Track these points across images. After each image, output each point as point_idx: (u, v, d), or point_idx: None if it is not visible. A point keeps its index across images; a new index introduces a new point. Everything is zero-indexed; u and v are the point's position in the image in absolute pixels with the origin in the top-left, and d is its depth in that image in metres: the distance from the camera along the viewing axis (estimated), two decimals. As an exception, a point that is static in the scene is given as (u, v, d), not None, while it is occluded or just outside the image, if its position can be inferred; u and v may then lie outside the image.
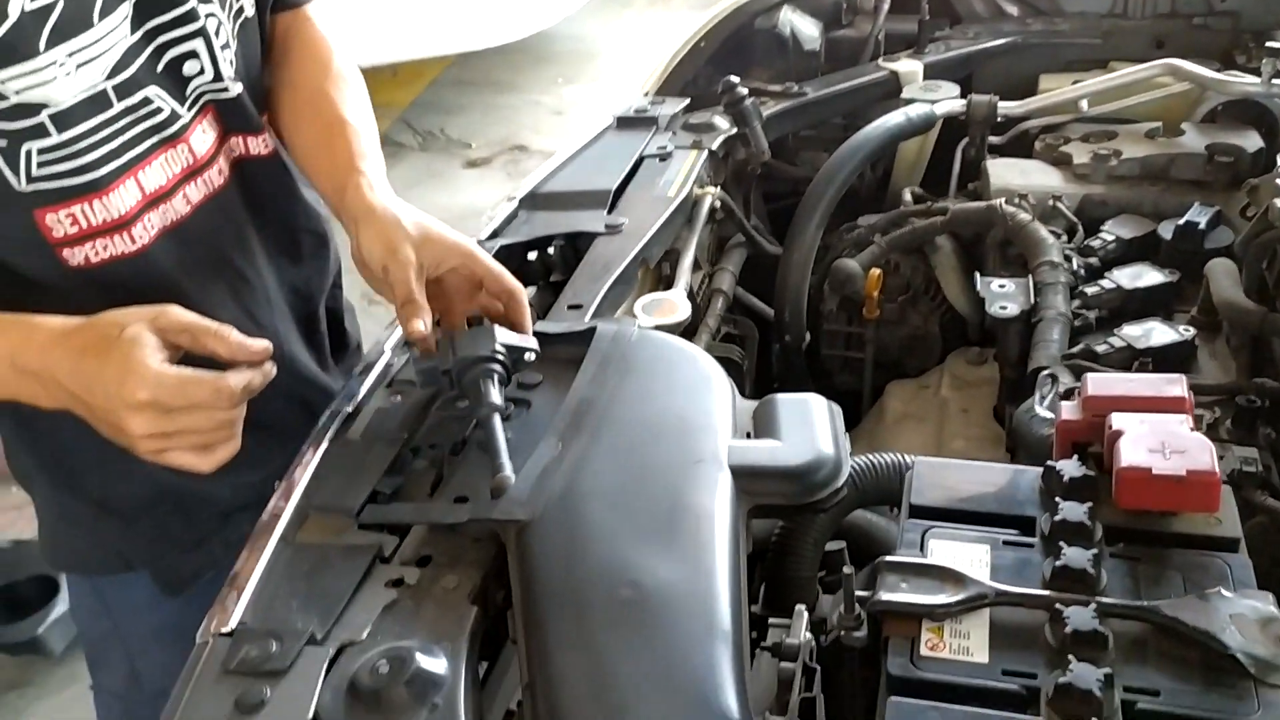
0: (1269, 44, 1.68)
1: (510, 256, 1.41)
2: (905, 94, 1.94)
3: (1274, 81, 1.66)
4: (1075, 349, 1.34)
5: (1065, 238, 1.58)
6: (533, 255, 1.45)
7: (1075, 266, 1.51)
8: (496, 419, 0.99)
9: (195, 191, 1.09)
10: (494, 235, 1.45)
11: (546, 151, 4.08)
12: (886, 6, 2.10)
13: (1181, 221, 1.53)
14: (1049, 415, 1.18)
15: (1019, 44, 2.12)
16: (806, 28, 2.08)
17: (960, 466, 0.94)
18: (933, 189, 1.90)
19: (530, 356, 1.06)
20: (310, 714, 0.77)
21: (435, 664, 0.79)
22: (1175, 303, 1.46)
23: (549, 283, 1.45)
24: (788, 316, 1.72)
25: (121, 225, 1.02)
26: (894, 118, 1.80)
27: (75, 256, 1.01)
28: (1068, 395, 1.20)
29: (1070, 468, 0.88)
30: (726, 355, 1.59)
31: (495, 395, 1.00)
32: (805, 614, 0.84)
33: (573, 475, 0.94)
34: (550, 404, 1.08)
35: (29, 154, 0.95)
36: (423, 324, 1.02)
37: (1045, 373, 1.26)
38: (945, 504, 0.90)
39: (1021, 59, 2.13)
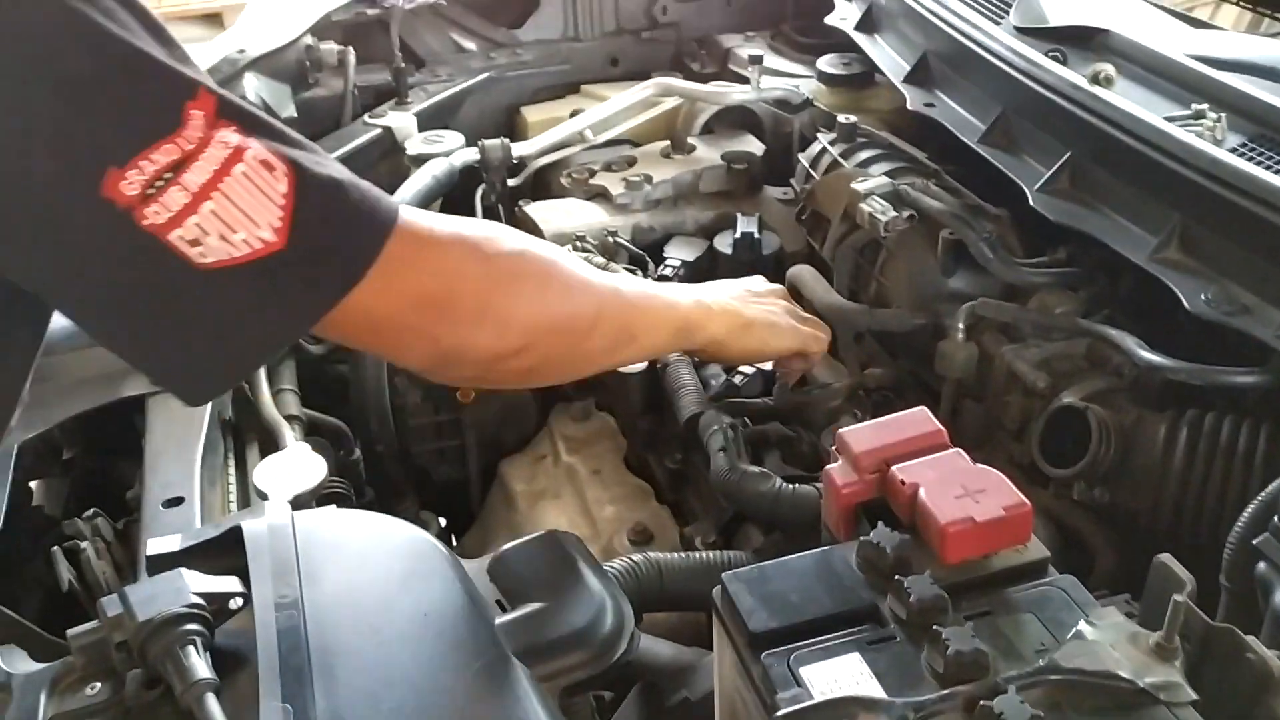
0: (751, 53, 1.78)
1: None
2: (410, 149, 1.78)
3: (761, 89, 1.76)
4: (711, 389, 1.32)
5: (639, 273, 1.55)
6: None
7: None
8: (210, 700, 0.71)
9: None
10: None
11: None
12: (353, 59, 1.92)
13: (738, 234, 1.57)
14: (756, 470, 1.13)
15: (494, 78, 2.06)
16: (275, 94, 1.83)
17: (764, 572, 0.84)
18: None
19: (238, 602, 0.78)
20: None
21: None
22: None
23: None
24: (374, 425, 1.51)
25: None
26: (419, 181, 1.64)
27: None
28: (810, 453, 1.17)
29: (888, 538, 0.81)
30: (332, 491, 1.34)
31: (203, 668, 0.72)
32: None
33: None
34: (231, 649, 0.81)
35: None
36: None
37: (715, 428, 1.21)
38: (783, 622, 0.79)
39: (492, 94, 2.08)
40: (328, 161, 0.84)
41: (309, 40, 1.91)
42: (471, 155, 1.75)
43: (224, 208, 0.76)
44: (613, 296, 1.07)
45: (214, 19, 4.90)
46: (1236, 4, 1.60)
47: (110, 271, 0.77)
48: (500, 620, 0.83)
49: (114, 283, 0.77)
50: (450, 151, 1.75)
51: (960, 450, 0.87)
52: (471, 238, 0.96)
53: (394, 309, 0.88)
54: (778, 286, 1.29)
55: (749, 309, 1.21)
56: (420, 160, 1.73)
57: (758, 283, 1.28)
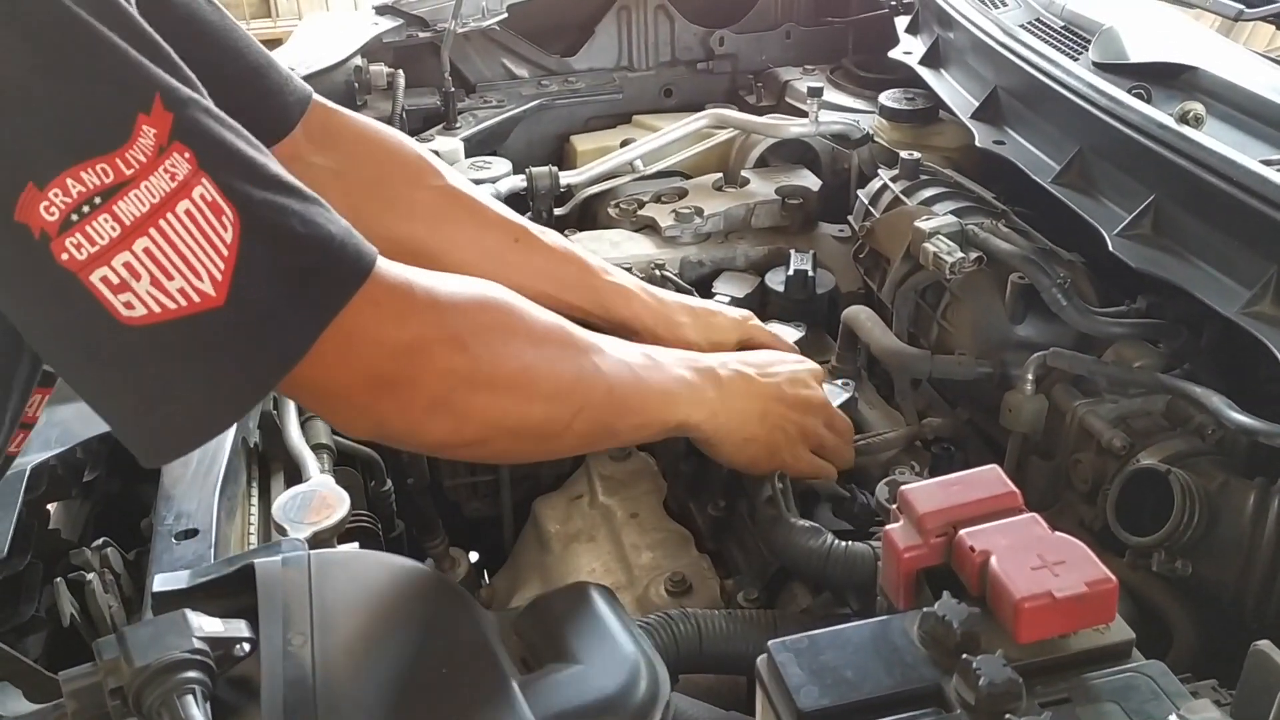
0: (810, 85, 1.72)
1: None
2: (456, 175, 1.74)
3: (819, 123, 1.70)
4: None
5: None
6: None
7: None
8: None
9: None
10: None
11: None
12: (403, 82, 1.89)
13: (790, 272, 1.50)
14: (806, 524, 1.06)
15: (545, 105, 2.02)
16: (322, 115, 1.80)
17: (816, 642, 0.77)
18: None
19: (244, 649, 0.72)
20: None
21: None
22: (807, 354, 1.43)
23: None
24: (406, 456, 1.45)
25: None
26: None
27: None
28: (861, 512, 1.11)
29: (955, 611, 0.74)
30: (357, 525, 1.28)
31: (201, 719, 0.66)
32: None
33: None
34: (233, 700, 0.75)
35: None
36: None
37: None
38: (836, 700, 0.71)
39: (542, 122, 2.04)
40: (300, 198, 0.73)
41: (359, 61, 1.88)
42: (518, 183, 1.71)
43: (160, 249, 0.65)
44: (601, 396, 0.96)
45: (275, 45, 4.94)
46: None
47: (31, 310, 0.67)
48: (523, 679, 0.76)
49: (37, 323, 0.68)
50: (497, 178, 1.71)
51: (1037, 516, 0.79)
52: (456, 320, 0.85)
53: (340, 384, 0.79)
54: (817, 373, 1.19)
55: (761, 424, 1.10)
56: (465, 186, 1.68)
57: (800, 373, 1.17)
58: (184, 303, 0.66)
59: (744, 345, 1.26)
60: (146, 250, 0.65)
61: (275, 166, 0.74)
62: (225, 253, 0.68)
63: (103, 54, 0.65)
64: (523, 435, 0.91)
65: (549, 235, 1.26)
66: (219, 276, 0.67)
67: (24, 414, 0.87)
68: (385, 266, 0.79)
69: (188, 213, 0.66)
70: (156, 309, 0.65)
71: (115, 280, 0.64)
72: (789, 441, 1.13)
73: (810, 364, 1.20)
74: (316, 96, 1.12)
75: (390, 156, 1.18)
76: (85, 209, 0.63)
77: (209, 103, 0.71)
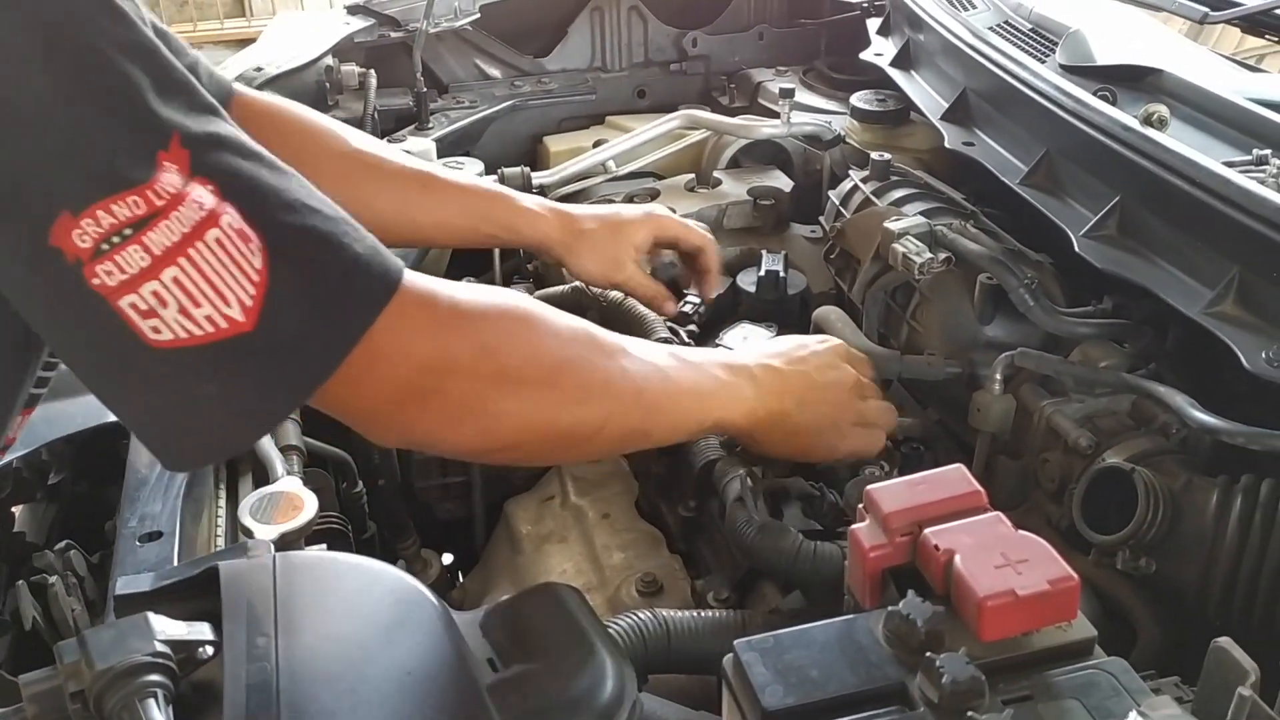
0: (782, 86, 1.72)
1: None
2: (428, 176, 1.73)
3: (792, 124, 1.71)
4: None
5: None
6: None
7: (684, 338, 1.42)
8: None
9: None
10: None
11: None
12: (374, 82, 1.88)
13: (762, 272, 1.50)
14: (775, 524, 1.06)
15: (518, 106, 2.01)
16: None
17: (781, 641, 0.77)
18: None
19: (207, 652, 0.71)
20: None
21: None
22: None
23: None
24: (377, 457, 1.44)
25: None
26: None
27: None
28: (830, 511, 1.11)
29: (919, 609, 0.74)
30: (326, 527, 1.28)
31: None
32: None
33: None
34: (196, 703, 0.74)
35: None
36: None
37: (731, 476, 1.14)
38: (800, 699, 0.71)
39: (515, 122, 2.04)
40: (324, 219, 0.75)
41: (330, 61, 1.87)
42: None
43: (189, 277, 0.67)
44: (631, 398, 0.96)
45: (249, 44, 4.92)
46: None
47: (61, 327, 0.69)
48: (491, 681, 0.76)
49: (66, 339, 0.70)
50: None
51: (1001, 514, 0.80)
52: (482, 330, 0.85)
53: (369, 399, 0.80)
54: (856, 356, 1.19)
55: (801, 412, 1.10)
56: (436, 186, 1.67)
57: (825, 355, 1.16)
58: (210, 329, 0.68)
59: (657, 239, 1.39)
60: (175, 279, 0.66)
61: (297, 188, 0.75)
62: (255, 278, 0.69)
63: (131, 94, 0.67)
64: (553, 439, 0.92)
65: (457, 175, 1.35)
66: (248, 302, 0.69)
67: (6, 435, 0.87)
68: (410, 280, 0.80)
69: (217, 241, 0.68)
70: (184, 334, 0.67)
71: (144, 306, 0.66)
72: (832, 425, 1.13)
73: (833, 341, 1.21)
74: (236, 87, 1.17)
75: (299, 131, 1.22)
76: (116, 239, 0.65)
77: (229, 128, 0.73)
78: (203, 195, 0.68)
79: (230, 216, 0.69)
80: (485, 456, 0.88)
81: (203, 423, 0.72)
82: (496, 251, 1.69)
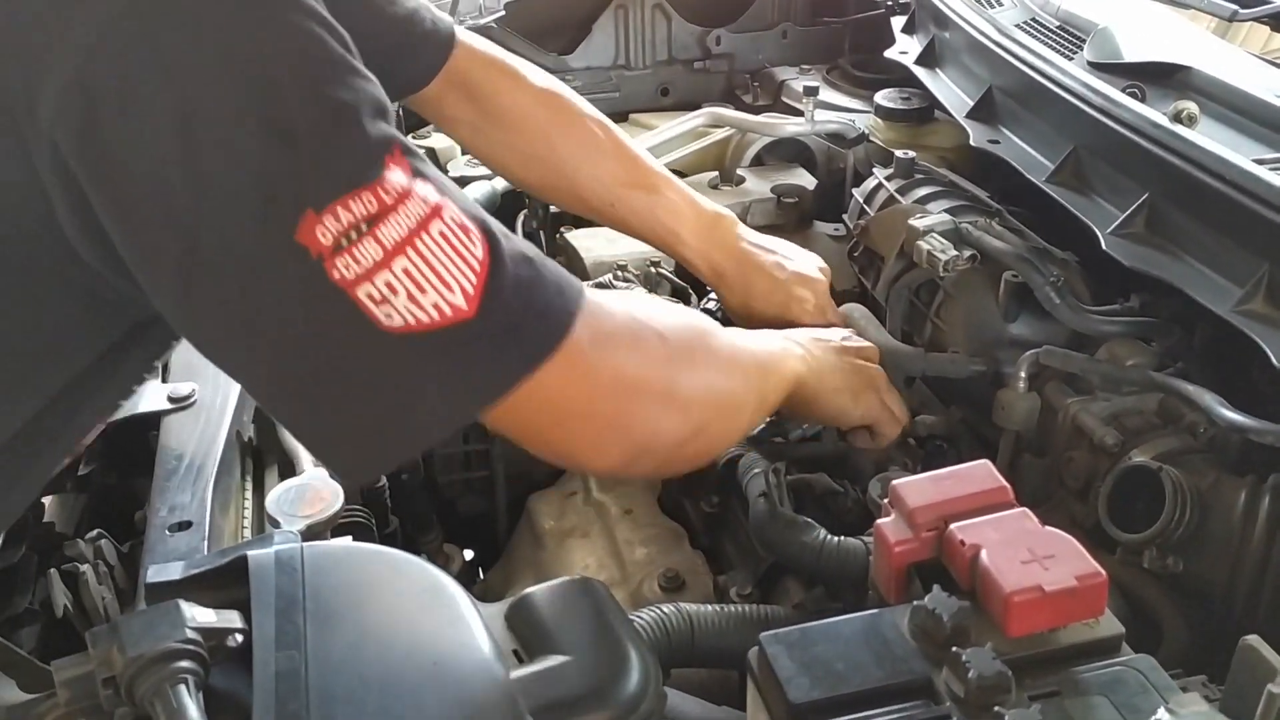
0: (806, 84, 1.72)
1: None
2: (453, 171, 1.74)
3: (815, 122, 1.70)
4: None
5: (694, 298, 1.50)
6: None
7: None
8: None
9: None
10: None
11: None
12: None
13: (786, 269, 1.50)
14: (799, 519, 1.06)
15: (543, 104, 2.01)
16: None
17: (807, 635, 0.77)
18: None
19: (237, 639, 0.72)
20: None
21: None
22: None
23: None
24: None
25: None
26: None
27: None
28: (854, 507, 1.11)
29: (945, 604, 0.74)
30: (351, 519, 1.29)
31: (193, 711, 0.66)
32: None
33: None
34: (226, 690, 0.75)
35: None
36: None
37: (755, 471, 1.14)
38: (826, 693, 0.72)
39: (540, 119, 2.03)
40: (509, 232, 0.80)
41: (356, 58, 1.87)
42: (516, 179, 1.70)
43: (417, 267, 0.71)
44: (751, 363, 1.03)
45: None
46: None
47: (291, 324, 0.71)
48: (516, 673, 0.76)
49: (292, 338, 0.72)
50: (493, 175, 1.70)
51: (1027, 510, 0.80)
52: (641, 311, 0.91)
53: (584, 393, 0.83)
54: (869, 346, 1.23)
55: (840, 374, 1.15)
56: (463, 183, 1.68)
57: (851, 340, 1.23)
58: (437, 315, 0.71)
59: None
60: (405, 270, 0.70)
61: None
62: (478, 267, 0.73)
63: (354, 110, 0.72)
64: (724, 409, 0.98)
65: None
66: (470, 290, 0.73)
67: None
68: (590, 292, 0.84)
69: (441, 234, 0.72)
70: (412, 320, 0.71)
71: (378, 296, 0.70)
72: (865, 387, 1.18)
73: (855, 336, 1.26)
74: (459, 32, 1.26)
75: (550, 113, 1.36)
76: (353, 234, 0.69)
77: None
78: (427, 191, 0.73)
79: (451, 210, 0.73)
80: (681, 449, 0.93)
81: (419, 405, 0.75)
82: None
